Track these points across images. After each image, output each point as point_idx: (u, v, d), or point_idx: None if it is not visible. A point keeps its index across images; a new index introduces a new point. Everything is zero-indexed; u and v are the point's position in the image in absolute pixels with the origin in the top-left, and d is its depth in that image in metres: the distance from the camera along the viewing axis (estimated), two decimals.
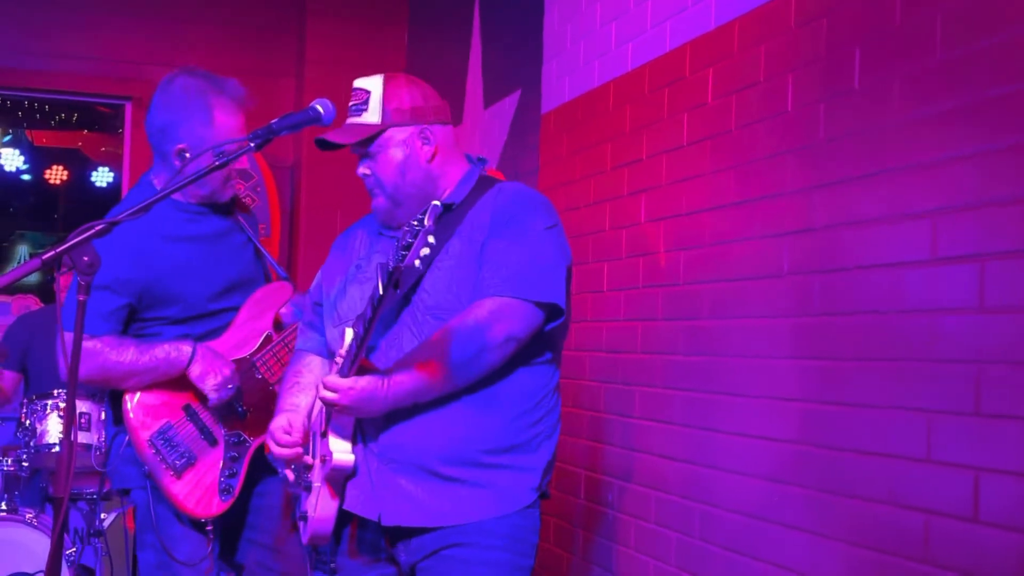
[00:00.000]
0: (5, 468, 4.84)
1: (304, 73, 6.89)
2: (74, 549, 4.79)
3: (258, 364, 3.35)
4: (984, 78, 2.38)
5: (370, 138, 2.73)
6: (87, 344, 3.11)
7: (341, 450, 2.69)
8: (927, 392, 2.49)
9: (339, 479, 2.72)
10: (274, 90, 6.96)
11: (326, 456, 2.69)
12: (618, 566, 3.85)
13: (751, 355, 3.17)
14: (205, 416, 3.29)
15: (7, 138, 10.93)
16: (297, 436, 2.80)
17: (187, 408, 3.28)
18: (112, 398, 3.35)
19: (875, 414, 2.65)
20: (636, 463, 3.77)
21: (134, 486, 3.33)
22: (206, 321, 3.35)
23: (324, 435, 2.74)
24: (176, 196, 3.24)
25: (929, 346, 2.49)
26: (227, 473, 3.27)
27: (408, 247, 2.28)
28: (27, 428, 4.79)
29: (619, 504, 3.88)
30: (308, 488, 2.81)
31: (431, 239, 2.29)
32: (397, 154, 2.74)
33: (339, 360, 2.70)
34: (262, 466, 3.33)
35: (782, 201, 3.06)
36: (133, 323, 3.28)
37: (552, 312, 2.70)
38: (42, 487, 5.22)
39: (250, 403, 3.32)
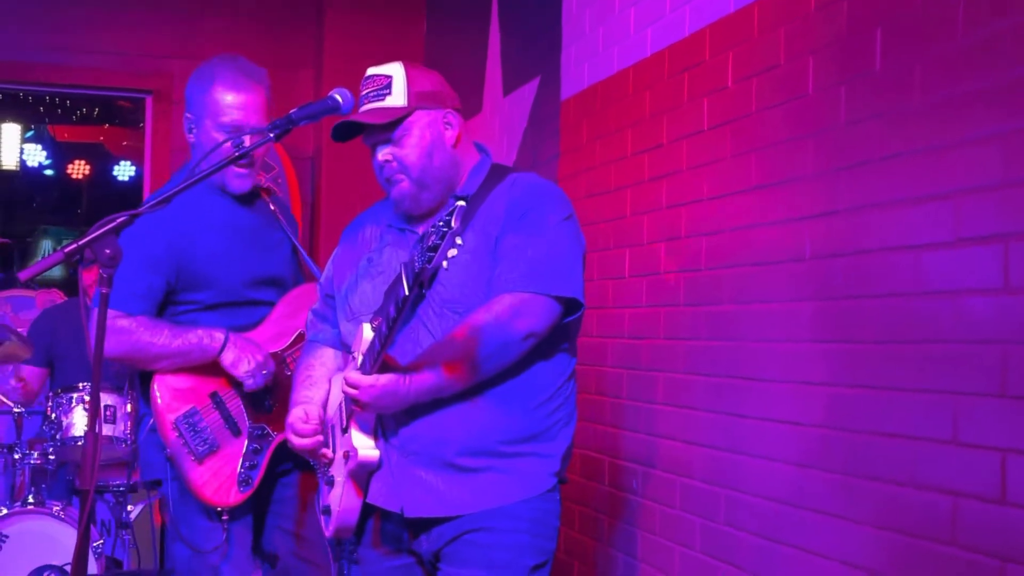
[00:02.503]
0: (32, 461, 4.87)
1: (323, 64, 6.90)
2: (102, 541, 4.82)
3: (288, 360, 3.36)
4: (1007, 59, 2.36)
5: (396, 121, 2.72)
6: (121, 322, 3.16)
7: (366, 446, 2.70)
8: (952, 374, 2.47)
9: (363, 474, 2.73)
10: (293, 82, 6.97)
11: (350, 452, 2.70)
12: (643, 552, 3.85)
13: (774, 339, 3.16)
14: (232, 405, 3.30)
15: (29, 134, 10.98)
16: (315, 425, 2.81)
17: (214, 396, 3.29)
18: (141, 380, 3.37)
19: (900, 397, 2.64)
20: (660, 449, 3.77)
21: (164, 477, 3.35)
22: (240, 311, 3.37)
23: (345, 430, 2.75)
24: (214, 182, 3.29)
25: (953, 328, 2.48)
26: (247, 464, 3.28)
27: (435, 248, 2.27)
28: (53, 421, 4.82)
29: (643, 490, 3.87)
30: (330, 482, 2.82)
31: (459, 240, 2.28)
32: (424, 137, 2.74)
33: (356, 356, 2.70)
34: (289, 457, 3.35)
35: (803, 185, 3.05)
36: (167, 306, 3.30)
37: (570, 305, 2.70)
38: (69, 480, 5.25)
39: (277, 398, 3.33)
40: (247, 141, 3.06)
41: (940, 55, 2.56)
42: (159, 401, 3.26)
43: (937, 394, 2.51)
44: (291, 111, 2.75)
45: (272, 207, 3.51)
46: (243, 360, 3.25)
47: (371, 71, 2.78)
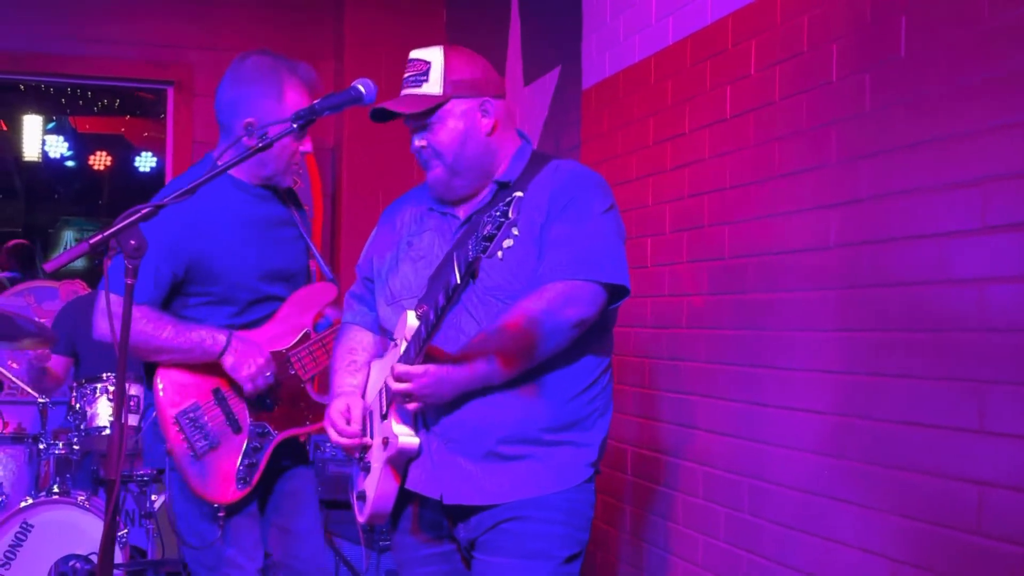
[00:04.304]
0: (56, 452, 4.90)
1: (343, 55, 6.89)
2: (126, 531, 4.84)
3: (292, 360, 3.36)
4: None
5: (430, 109, 2.72)
6: None
7: (405, 433, 2.69)
8: (979, 362, 2.46)
9: (402, 461, 2.73)
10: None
11: (389, 438, 2.70)
12: (667, 542, 3.85)
13: (798, 328, 3.15)
14: (233, 402, 3.30)
15: (51, 125, 11.00)
16: (356, 426, 2.80)
17: (216, 392, 3.29)
18: (146, 371, 3.37)
19: (926, 385, 2.63)
20: (683, 438, 3.76)
21: (165, 467, 3.35)
22: (251, 307, 3.36)
23: (385, 417, 2.74)
24: (239, 176, 3.29)
25: (980, 316, 2.47)
26: (247, 463, 3.27)
27: (491, 238, 2.27)
28: (77, 412, 4.85)
29: (667, 480, 3.87)
30: (366, 468, 2.81)
31: (515, 231, 2.28)
32: (458, 126, 2.73)
33: (399, 343, 2.70)
34: (291, 454, 3.40)
35: (828, 172, 3.03)
36: (178, 298, 3.29)
37: (615, 292, 2.71)
38: (93, 470, 5.28)
39: (279, 397, 3.34)
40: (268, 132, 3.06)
41: (966, 40, 2.54)
42: (161, 395, 3.26)
43: (963, 382, 2.50)
44: (314, 102, 2.75)
45: (289, 206, 3.51)
46: (244, 364, 3.24)
47: (413, 54, 2.78)
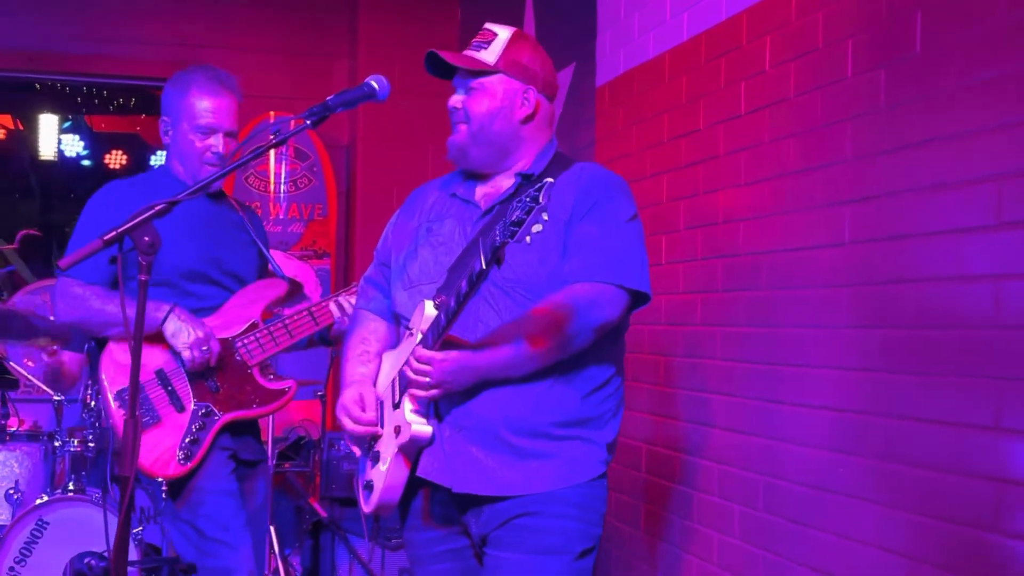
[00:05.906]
0: (72, 449, 4.91)
1: (357, 55, 6.90)
2: (140, 528, 4.85)
3: (238, 347, 3.45)
4: None
5: (477, 71, 2.77)
6: (76, 291, 3.34)
7: (418, 421, 2.69)
8: (994, 359, 2.45)
9: (414, 449, 2.73)
10: (328, 71, 7.00)
11: (401, 426, 2.69)
12: (681, 539, 3.84)
13: (813, 325, 3.14)
14: (177, 383, 3.38)
15: (67, 124, 11.03)
16: (372, 414, 2.80)
17: (159, 372, 3.37)
18: (98, 349, 3.46)
19: (941, 382, 2.62)
20: (698, 436, 3.76)
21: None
22: (192, 294, 3.44)
23: (397, 405, 2.74)
24: (180, 175, 3.47)
25: (995, 312, 2.46)
26: (190, 439, 3.35)
27: (519, 223, 2.28)
28: (92, 409, 4.85)
29: (682, 477, 3.86)
30: (375, 458, 2.81)
31: (545, 216, 2.29)
32: (495, 100, 2.78)
33: (415, 332, 2.70)
34: (252, 450, 3.53)
35: (842, 169, 3.02)
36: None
37: (636, 299, 2.72)
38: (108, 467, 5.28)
39: (224, 380, 3.43)
40: (220, 143, 3.38)
41: (982, 37, 2.53)
42: (104, 375, 3.37)
43: (979, 379, 2.49)
44: (328, 98, 2.75)
45: (240, 213, 3.63)
46: (183, 332, 3.32)
47: (487, 25, 2.86)
